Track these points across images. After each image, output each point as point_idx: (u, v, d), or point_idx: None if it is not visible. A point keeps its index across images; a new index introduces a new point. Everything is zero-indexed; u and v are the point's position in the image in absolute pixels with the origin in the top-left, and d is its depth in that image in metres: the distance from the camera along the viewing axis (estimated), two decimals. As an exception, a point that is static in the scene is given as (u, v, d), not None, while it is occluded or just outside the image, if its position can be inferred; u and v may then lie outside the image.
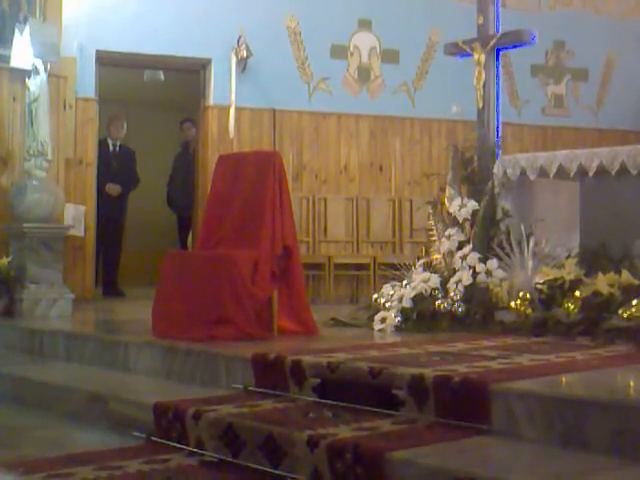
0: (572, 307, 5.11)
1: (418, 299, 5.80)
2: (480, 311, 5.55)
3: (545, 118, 10.82)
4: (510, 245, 5.74)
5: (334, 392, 3.95)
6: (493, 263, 5.75)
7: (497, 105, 6.38)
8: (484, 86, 6.34)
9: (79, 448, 3.92)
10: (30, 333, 6.24)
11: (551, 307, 5.26)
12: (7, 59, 7.45)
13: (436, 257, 6.17)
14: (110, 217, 9.24)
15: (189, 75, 9.94)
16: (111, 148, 9.51)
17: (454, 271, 5.89)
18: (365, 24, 9.96)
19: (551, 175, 5.89)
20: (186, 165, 10.41)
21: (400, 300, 5.83)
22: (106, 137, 9.47)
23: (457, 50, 6.55)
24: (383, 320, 5.77)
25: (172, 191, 10.71)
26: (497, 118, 6.38)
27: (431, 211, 6.34)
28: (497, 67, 6.42)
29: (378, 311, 5.90)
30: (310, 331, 5.51)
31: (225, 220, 5.75)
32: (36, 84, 7.18)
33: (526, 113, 10.64)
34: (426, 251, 6.42)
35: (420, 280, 5.90)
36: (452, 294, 5.73)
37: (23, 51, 7.21)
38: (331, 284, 9.11)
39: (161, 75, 11.56)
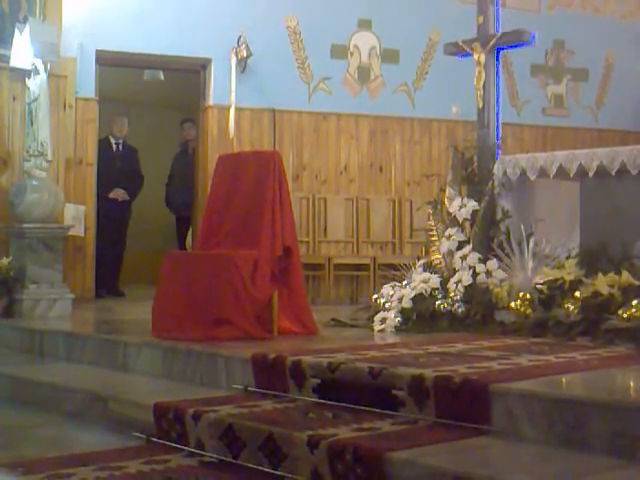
0: (572, 307, 5.11)
1: (418, 299, 5.80)
2: (480, 311, 5.55)
3: (545, 118, 10.80)
4: (510, 245, 5.75)
5: (334, 392, 3.95)
6: (493, 263, 5.76)
7: (497, 105, 6.38)
8: (484, 86, 6.33)
9: (79, 448, 3.92)
10: (30, 333, 6.25)
11: (551, 307, 5.27)
12: (7, 59, 7.46)
13: (436, 257, 6.17)
14: (115, 217, 9.19)
15: (189, 75, 9.93)
16: (114, 147, 9.47)
17: (454, 271, 5.90)
18: (365, 24, 9.95)
19: (551, 175, 5.89)
20: (185, 165, 10.38)
21: (400, 300, 5.83)
22: (108, 136, 9.40)
23: (457, 50, 6.55)
24: (383, 320, 5.77)
25: (171, 191, 10.65)
26: (497, 118, 6.37)
27: (431, 211, 6.34)
28: (497, 67, 6.42)
29: (378, 311, 5.91)
30: (310, 331, 5.52)
31: (225, 220, 5.75)
32: (36, 84, 7.18)
33: (526, 113, 10.63)
34: (426, 251, 6.42)
35: (420, 280, 5.90)
36: (452, 294, 5.73)
37: (23, 51, 7.21)
38: (331, 284, 9.10)
39: (161, 75, 11.55)
